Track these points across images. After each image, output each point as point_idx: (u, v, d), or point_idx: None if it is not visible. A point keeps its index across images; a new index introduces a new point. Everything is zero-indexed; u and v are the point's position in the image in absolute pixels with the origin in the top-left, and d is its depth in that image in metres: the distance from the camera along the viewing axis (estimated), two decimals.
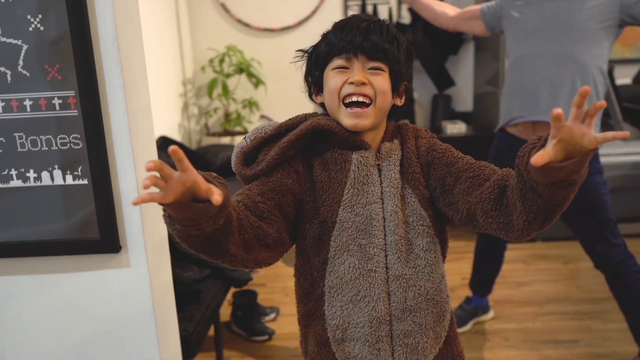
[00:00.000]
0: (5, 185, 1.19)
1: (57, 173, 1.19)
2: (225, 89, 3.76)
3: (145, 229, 1.24)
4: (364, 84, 0.96)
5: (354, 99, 0.97)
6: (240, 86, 3.89)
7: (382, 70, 0.99)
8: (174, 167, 0.72)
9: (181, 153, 0.68)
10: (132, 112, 1.19)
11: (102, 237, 1.21)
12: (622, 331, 2.34)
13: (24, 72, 1.14)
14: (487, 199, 0.90)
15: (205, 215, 0.75)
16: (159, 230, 1.33)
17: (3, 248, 1.23)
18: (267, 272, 2.95)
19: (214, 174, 0.80)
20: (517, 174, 0.81)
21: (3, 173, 1.19)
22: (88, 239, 1.22)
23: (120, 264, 1.25)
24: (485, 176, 0.94)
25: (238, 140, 3.94)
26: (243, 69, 3.74)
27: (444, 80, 3.86)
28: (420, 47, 3.63)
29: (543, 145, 0.75)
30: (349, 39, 0.97)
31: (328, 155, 1.01)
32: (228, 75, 3.76)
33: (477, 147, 3.07)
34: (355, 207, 0.98)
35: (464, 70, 4.01)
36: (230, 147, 3.54)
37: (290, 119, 1.04)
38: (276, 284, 2.95)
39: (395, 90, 1.02)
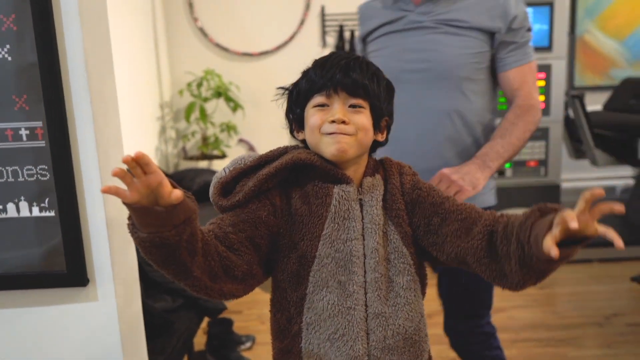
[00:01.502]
0: None
1: (24, 205, 1.16)
2: (203, 112, 3.75)
3: (114, 261, 1.21)
4: (344, 122, 0.96)
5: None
6: (218, 110, 3.88)
7: (363, 107, 0.98)
8: None
9: (148, 158, 0.70)
10: (102, 143, 1.17)
11: (68, 270, 1.18)
12: (595, 357, 2.36)
13: None
14: (479, 246, 0.92)
15: (168, 223, 0.75)
16: (129, 262, 1.30)
17: None
18: (244, 298, 2.89)
19: (183, 189, 0.79)
20: (517, 242, 0.85)
21: None
22: (54, 272, 1.18)
23: (88, 297, 1.22)
24: (473, 219, 0.96)
25: (216, 164, 3.92)
26: (221, 92, 3.75)
27: None
28: None
29: (546, 223, 0.79)
30: (329, 76, 0.97)
31: (309, 189, 1.00)
32: (206, 99, 3.75)
33: None
34: (335, 243, 0.97)
35: None
36: (208, 171, 3.52)
37: (270, 151, 1.03)
38: (252, 310, 2.91)
39: (376, 126, 1.02)
